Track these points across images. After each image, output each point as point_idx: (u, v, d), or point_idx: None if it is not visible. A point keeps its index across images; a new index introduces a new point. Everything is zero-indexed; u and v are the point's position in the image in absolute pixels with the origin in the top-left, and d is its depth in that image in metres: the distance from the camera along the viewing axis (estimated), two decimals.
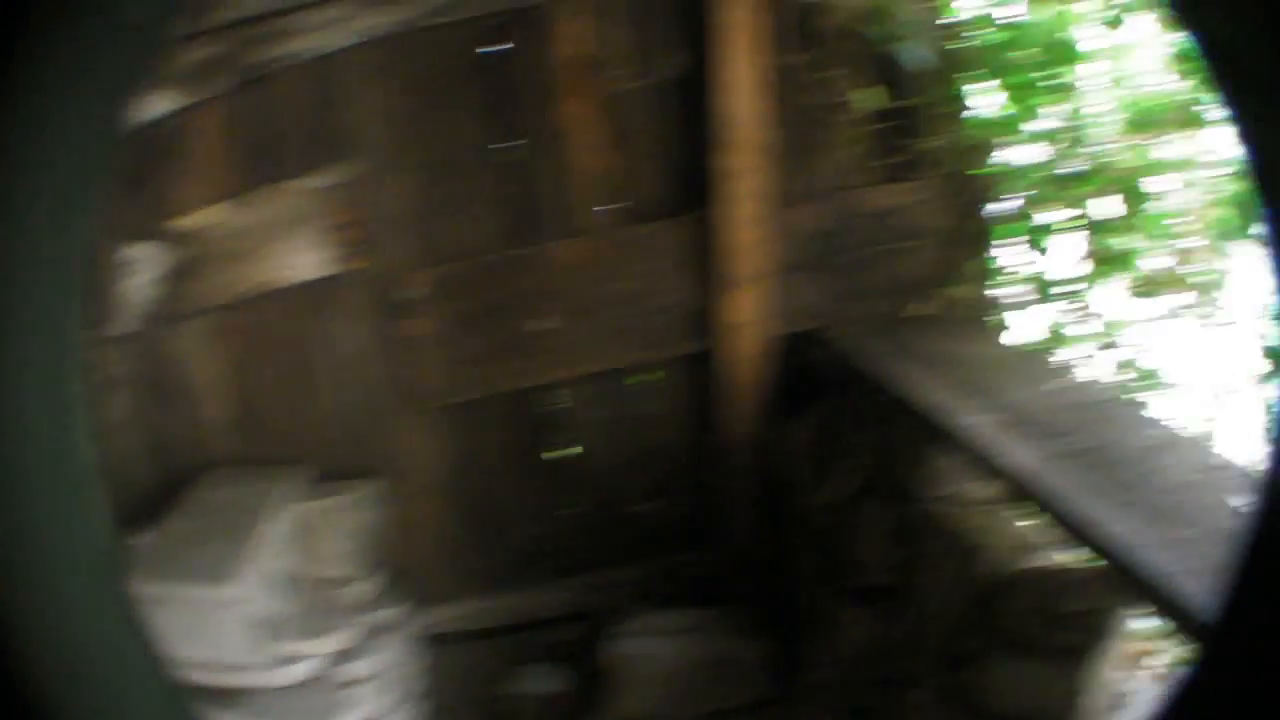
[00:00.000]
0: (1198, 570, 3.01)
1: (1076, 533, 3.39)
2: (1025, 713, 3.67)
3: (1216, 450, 3.77)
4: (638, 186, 4.69)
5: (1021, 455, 3.66)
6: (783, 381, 4.78)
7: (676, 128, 4.63)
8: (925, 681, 4.02)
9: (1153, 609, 3.20)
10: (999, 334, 4.86)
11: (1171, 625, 3.15)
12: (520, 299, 4.68)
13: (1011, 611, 3.73)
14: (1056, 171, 4.83)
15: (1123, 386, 4.81)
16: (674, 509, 5.03)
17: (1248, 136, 1.84)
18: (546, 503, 5.02)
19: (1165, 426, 3.94)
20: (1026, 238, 4.90)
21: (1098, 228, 4.84)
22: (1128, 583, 3.20)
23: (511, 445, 4.94)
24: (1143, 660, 4.00)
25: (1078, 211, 4.86)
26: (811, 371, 4.76)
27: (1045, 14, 4.93)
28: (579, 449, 4.95)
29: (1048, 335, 4.94)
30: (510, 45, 4.49)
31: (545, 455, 4.94)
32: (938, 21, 4.74)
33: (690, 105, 4.56)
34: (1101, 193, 4.82)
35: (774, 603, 4.90)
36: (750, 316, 4.67)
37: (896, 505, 4.30)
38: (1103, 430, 3.83)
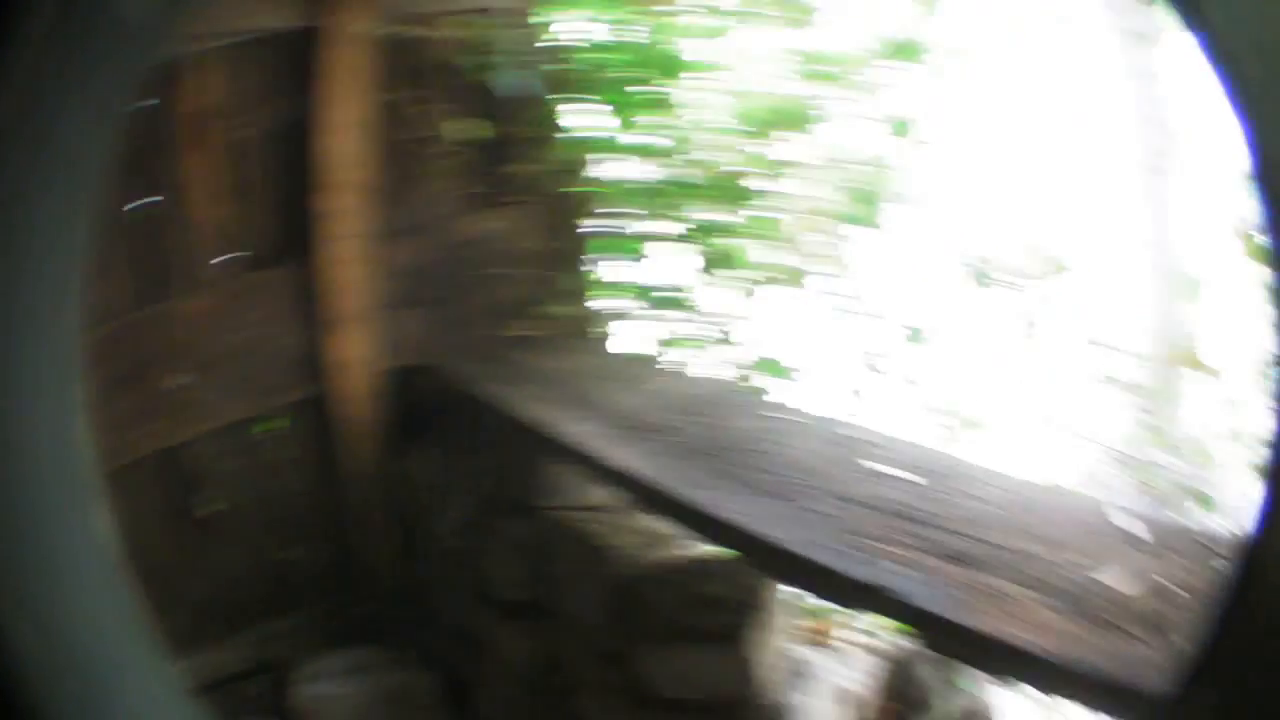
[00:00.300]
0: (832, 538, 3.12)
1: (694, 520, 3.48)
2: (698, 696, 3.76)
3: (841, 425, 3.92)
4: (256, 234, 4.63)
5: (630, 455, 3.74)
6: (400, 415, 4.80)
7: (290, 172, 4.60)
8: (592, 684, 4.08)
9: (795, 581, 3.33)
10: (605, 345, 4.99)
11: (819, 594, 3.28)
12: (158, 358, 4.63)
13: (657, 603, 3.80)
14: (662, 182, 4.97)
15: (741, 379, 4.97)
16: (323, 552, 5.03)
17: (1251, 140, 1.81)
18: (208, 559, 5.00)
19: (786, 409, 4.08)
20: (630, 250, 5.04)
21: (707, 231, 4.98)
22: (762, 560, 3.30)
23: (168, 505, 4.88)
24: (827, 632, 4.15)
25: (685, 219, 4.99)
26: (427, 402, 4.78)
27: (649, 30, 5.07)
28: (227, 503, 4.94)
29: (659, 341, 5.10)
30: (150, 101, 4.48)
31: (198, 512, 4.92)
32: (536, 46, 4.84)
33: (303, 149, 4.57)
34: (710, 198, 4.97)
35: (435, 632, 4.92)
36: (358, 355, 4.68)
37: (523, 520, 4.35)
38: (718, 421, 3.95)
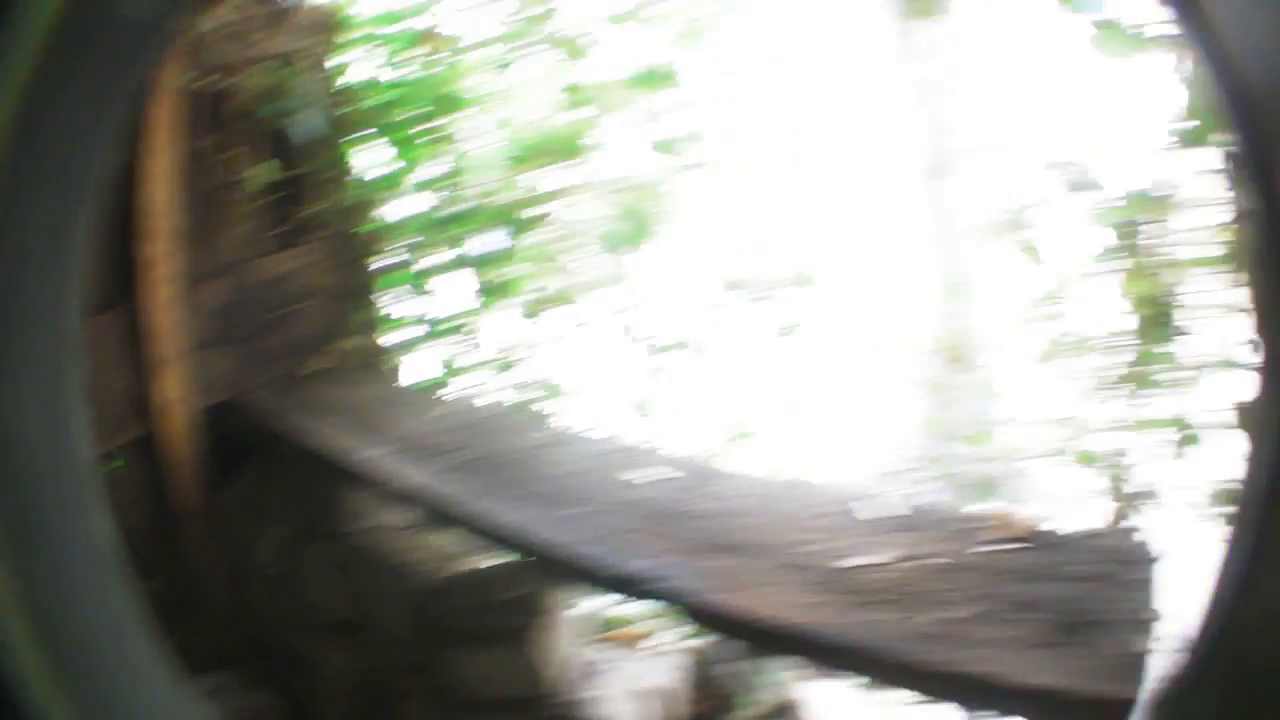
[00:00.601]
0: (592, 537, 3.39)
1: (476, 530, 3.71)
2: (500, 694, 3.98)
3: (610, 439, 4.20)
4: (90, 280, 4.71)
5: (419, 475, 3.97)
6: (216, 450, 4.92)
7: (118, 221, 4.65)
8: (410, 692, 4.27)
9: (568, 577, 3.57)
10: (394, 376, 5.20)
11: (591, 587, 3.53)
12: None
13: (452, 611, 4.05)
14: (440, 216, 5.23)
15: (519, 402, 5.24)
16: (168, 585, 4.97)
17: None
18: None
19: (556, 428, 4.37)
20: (417, 282, 5.27)
21: (482, 262, 5.28)
22: (539, 561, 3.53)
23: None
24: (634, 636, 4.40)
25: (467, 249, 5.27)
26: (239, 437, 4.92)
27: (433, 69, 5.35)
28: None
29: (442, 369, 5.34)
30: None
31: None
32: (329, 90, 5.03)
33: (127, 198, 4.62)
34: (484, 229, 5.26)
35: (271, 654, 5.04)
36: (176, 394, 4.78)
37: (332, 544, 4.57)
38: (493, 441, 4.21)
